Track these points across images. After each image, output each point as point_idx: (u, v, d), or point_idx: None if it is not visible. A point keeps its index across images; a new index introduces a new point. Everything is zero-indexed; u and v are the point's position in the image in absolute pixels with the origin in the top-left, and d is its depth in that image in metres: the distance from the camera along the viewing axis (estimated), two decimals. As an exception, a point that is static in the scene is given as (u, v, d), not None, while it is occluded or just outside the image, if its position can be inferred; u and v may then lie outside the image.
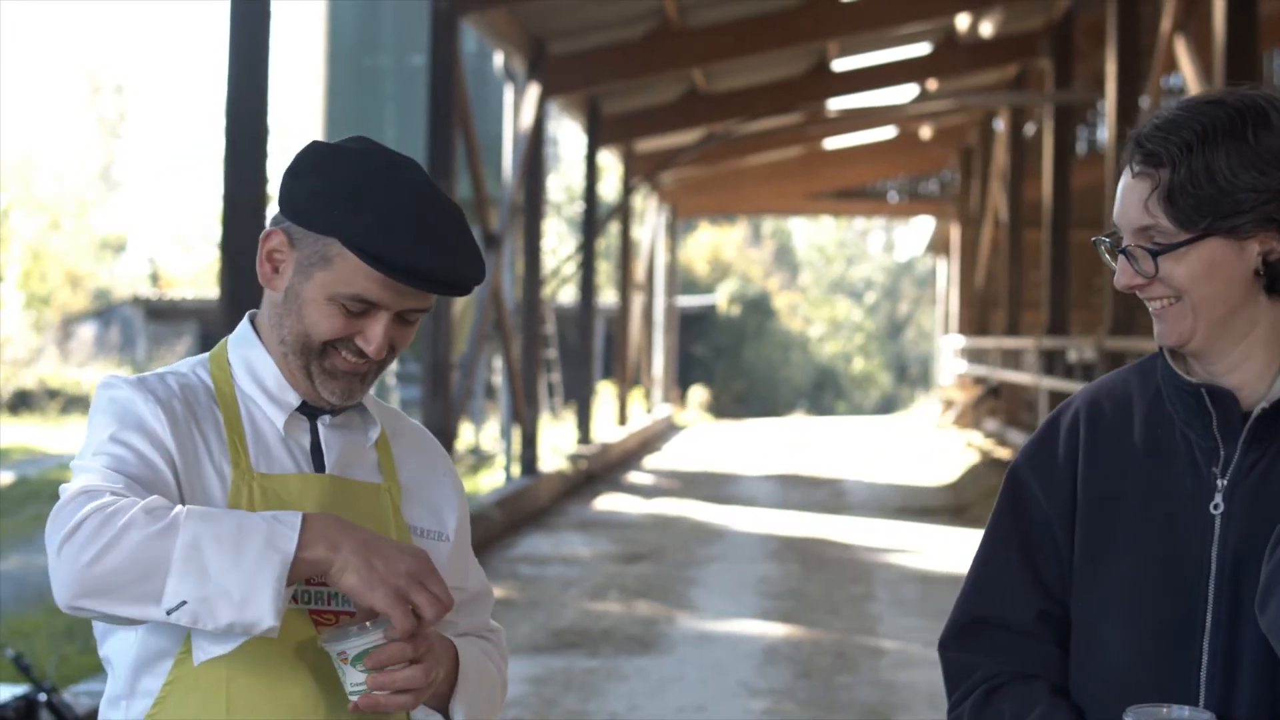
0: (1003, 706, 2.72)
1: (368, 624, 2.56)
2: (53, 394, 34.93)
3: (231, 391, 2.76)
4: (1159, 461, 2.70)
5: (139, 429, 2.62)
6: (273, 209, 2.81)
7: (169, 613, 2.42)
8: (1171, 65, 17.67)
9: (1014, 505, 2.82)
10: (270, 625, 2.44)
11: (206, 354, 2.84)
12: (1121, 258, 2.66)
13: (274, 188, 2.87)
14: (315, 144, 2.74)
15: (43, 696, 6.39)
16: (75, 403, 34.71)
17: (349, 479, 2.78)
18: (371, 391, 2.88)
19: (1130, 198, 2.64)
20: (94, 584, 2.42)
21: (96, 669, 9.21)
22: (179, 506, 2.47)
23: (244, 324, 2.84)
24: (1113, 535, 2.71)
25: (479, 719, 2.78)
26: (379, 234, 2.61)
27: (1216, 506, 2.63)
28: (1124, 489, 2.71)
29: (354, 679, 2.57)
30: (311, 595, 2.67)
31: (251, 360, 2.78)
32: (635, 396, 34.81)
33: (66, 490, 2.52)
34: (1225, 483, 2.63)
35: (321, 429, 2.79)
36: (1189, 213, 2.57)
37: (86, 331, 41.58)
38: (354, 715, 2.66)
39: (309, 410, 2.78)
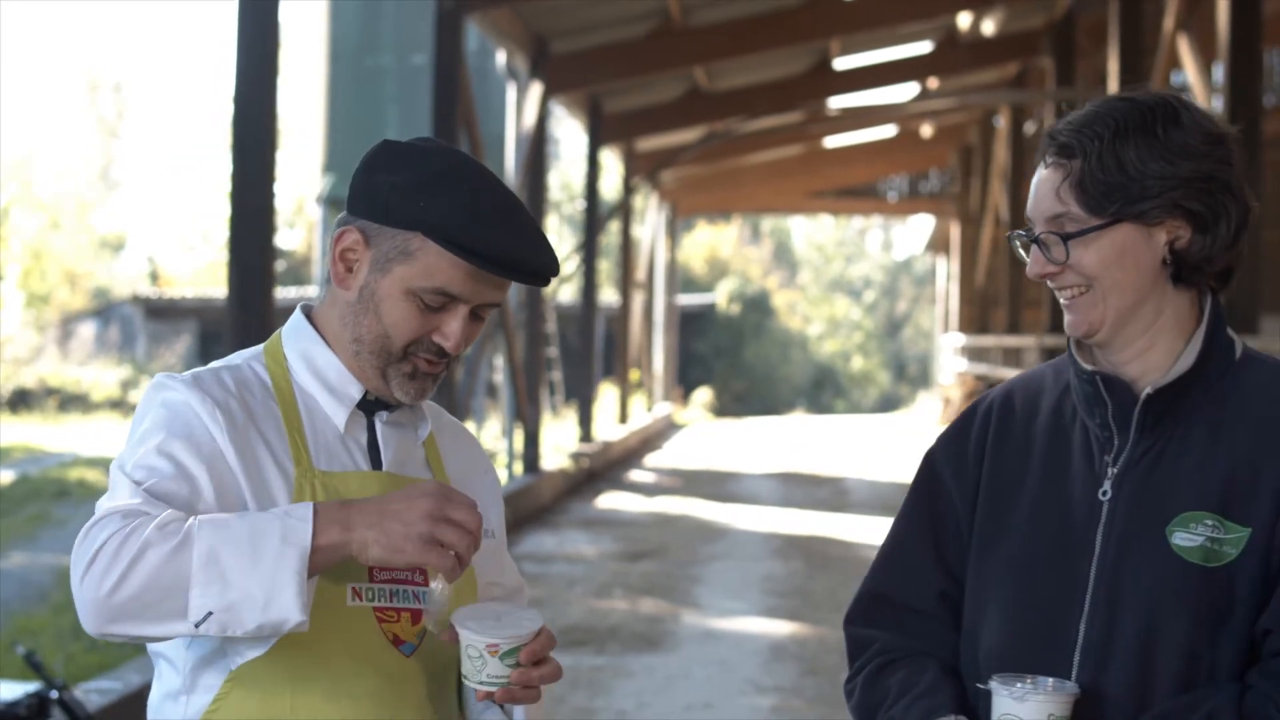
0: (891, 680, 2.82)
1: (516, 610, 2.61)
2: (52, 392, 34.93)
3: (289, 387, 2.74)
4: (1059, 450, 2.80)
5: (186, 438, 2.60)
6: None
7: (197, 625, 2.42)
8: (1174, 63, 17.67)
9: (926, 489, 2.93)
10: (298, 621, 2.44)
11: (260, 347, 2.81)
12: (1034, 247, 2.75)
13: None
14: (387, 142, 2.74)
15: (54, 694, 6.38)
16: (74, 401, 34.72)
17: (405, 475, 2.77)
18: None
19: (1044, 188, 2.73)
20: (117, 611, 2.42)
21: (104, 667, 9.21)
22: (192, 518, 2.45)
23: (298, 317, 2.81)
24: (1008, 519, 2.81)
25: (536, 712, 2.81)
26: (468, 225, 2.62)
27: (1105, 493, 2.73)
28: (1024, 476, 2.82)
29: (496, 671, 2.59)
30: (375, 593, 2.67)
31: (311, 354, 2.76)
32: (636, 395, 34.82)
33: (99, 507, 2.51)
34: (1116, 470, 2.73)
35: (379, 425, 2.78)
36: (1099, 198, 2.67)
37: (86, 330, 41.56)
38: (417, 710, 2.69)
39: (364, 405, 2.76)
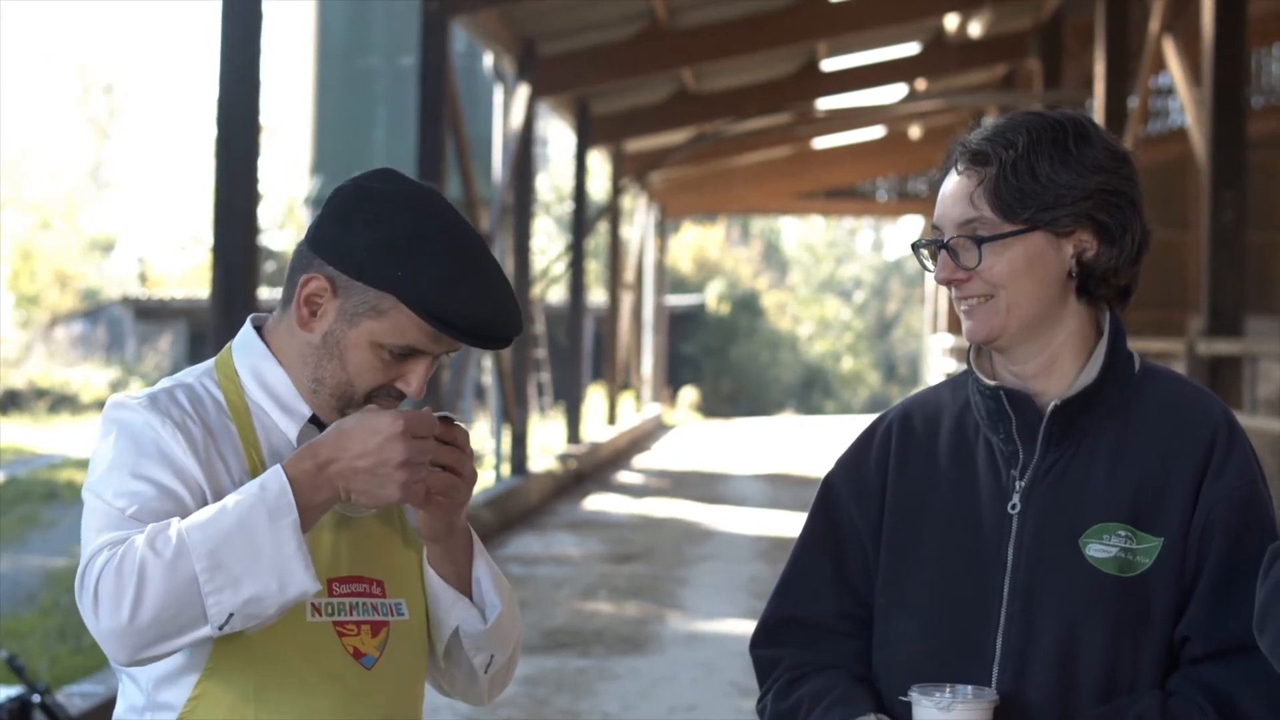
0: (802, 691, 2.84)
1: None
2: (41, 394, 34.85)
3: (242, 403, 2.73)
4: (964, 466, 2.83)
5: (159, 458, 2.60)
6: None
7: (220, 628, 2.46)
8: (1160, 65, 17.71)
9: (825, 513, 2.96)
10: (315, 589, 2.49)
11: (210, 362, 2.80)
12: (943, 253, 2.77)
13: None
14: (360, 187, 2.71)
15: (36, 698, 6.37)
16: (63, 402, 34.63)
17: None
18: None
19: (955, 194, 2.77)
20: (142, 638, 2.45)
21: (89, 670, 9.21)
22: (174, 525, 2.47)
23: (247, 330, 2.80)
24: (918, 536, 2.84)
25: (504, 602, 2.83)
26: (443, 297, 2.62)
27: (1014, 507, 2.77)
28: (930, 494, 2.85)
29: None
30: (334, 607, 2.69)
31: (261, 370, 2.75)
32: (625, 396, 34.82)
33: (85, 543, 2.53)
34: (1023, 484, 2.77)
35: None
36: (1013, 204, 2.71)
37: (75, 331, 41.49)
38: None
39: (317, 419, 2.76)
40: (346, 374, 2.69)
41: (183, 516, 2.54)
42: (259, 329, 2.80)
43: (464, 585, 2.80)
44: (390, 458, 2.52)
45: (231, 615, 2.45)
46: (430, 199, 2.72)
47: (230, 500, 2.50)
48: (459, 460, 2.66)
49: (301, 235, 2.82)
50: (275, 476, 2.50)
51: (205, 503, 2.60)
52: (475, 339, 2.66)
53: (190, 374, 2.78)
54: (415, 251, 2.63)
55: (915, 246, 2.84)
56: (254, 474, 2.66)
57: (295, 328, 2.73)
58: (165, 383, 2.74)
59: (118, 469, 2.59)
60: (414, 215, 2.67)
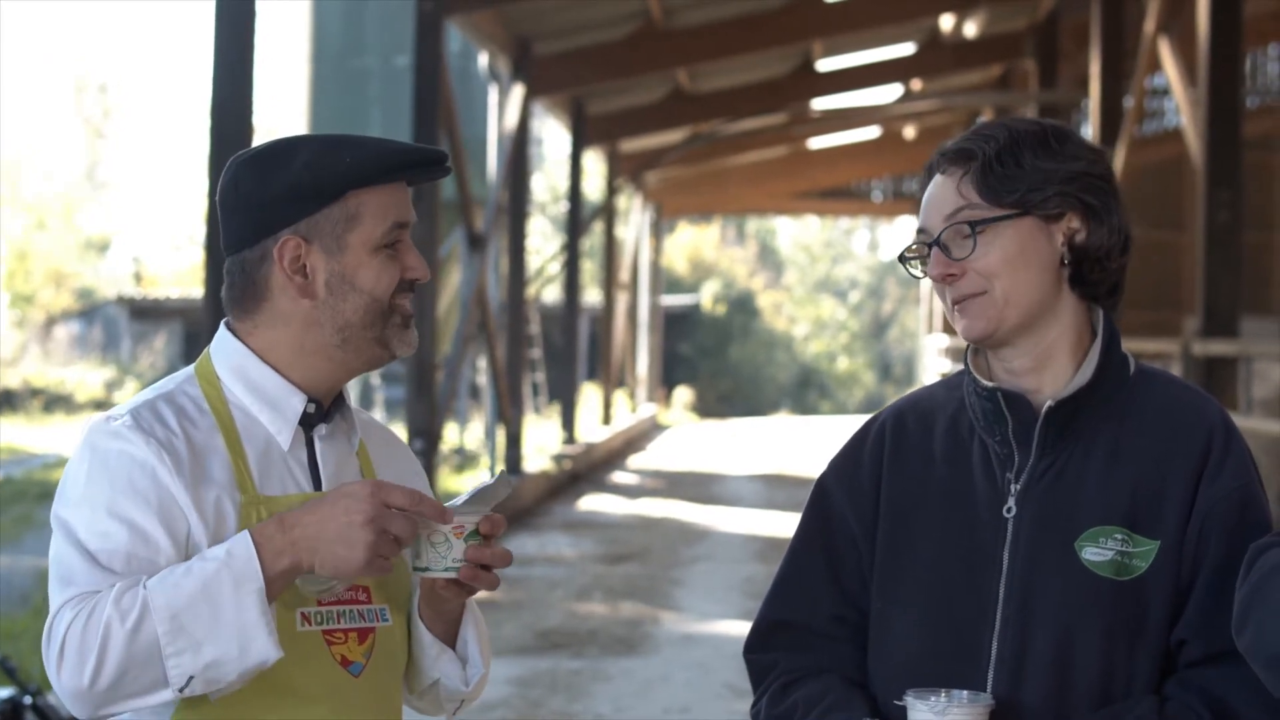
0: (796, 695, 2.82)
1: (475, 490, 2.65)
2: (36, 393, 34.84)
3: (225, 409, 2.70)
4: (958, 468, 2.82)
5: (132, 493, 2.58)
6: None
7: (180, 690, 2.47)
8: (1155, 65, 17.72)
9: (819, 515, 2.93)
10: (276, 657, 2.50)
11: (190, 369, 2.77)
12: (935, 250, 2.76)
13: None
14: (245, 162, 2.73)
15: (28, 699, 6.35)
16: (59, 402, 34.64)
17: None
18: (353, 392, 2.87)
19: (940, 191, 2.78)
20: (101, 698, 2.47)
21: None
22: (142, 586, 2.47)
23: (224, 334, 2.77)
24: (913, 540, 2.82)
25: (486, 663, 2.85)
26: (384, 153, 2.69)
27: (1009, 510, 2.76)
28: (925, 496, 2.83)
29: (460, 555, 2.61)
30: (323, 616, 2.68)
31: (245, 369, 2.72)
32: (620, 396, 34.82)
33: (54, 594, 2.53)
34: (1019, 487, 2.76)
35: (317, 441, 2.76)
36: (1000, 188, 2.72)
37: (70, 330, 41.49)
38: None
39: (303, 419, 2.74)
40: (365, 294, 2.69)
41: (155, 556, 2.55)
42: (234, 332, 2.78)
43: (450, 640, 2.82)
44: (354, 518, 2.51)
45: (192, 678, 2.46)
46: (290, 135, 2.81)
47: (196, 563, 2.50)
48: (498, 559, 2.67)
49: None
50: (242, 543, 2.50)
51: (183, 529, 2.60)
52: (431, 167, 2.73)
53: (172, 381, 2.75)
54: (338, 144, 2.69)
55: (902, 257, 2.83)
56: (242, 485, 2.65)
57: (292, 308, 2.70)
58: (147, 394, 2.71)
59: (91, 504, 2.58)
60: (301, 137, 2.75)
